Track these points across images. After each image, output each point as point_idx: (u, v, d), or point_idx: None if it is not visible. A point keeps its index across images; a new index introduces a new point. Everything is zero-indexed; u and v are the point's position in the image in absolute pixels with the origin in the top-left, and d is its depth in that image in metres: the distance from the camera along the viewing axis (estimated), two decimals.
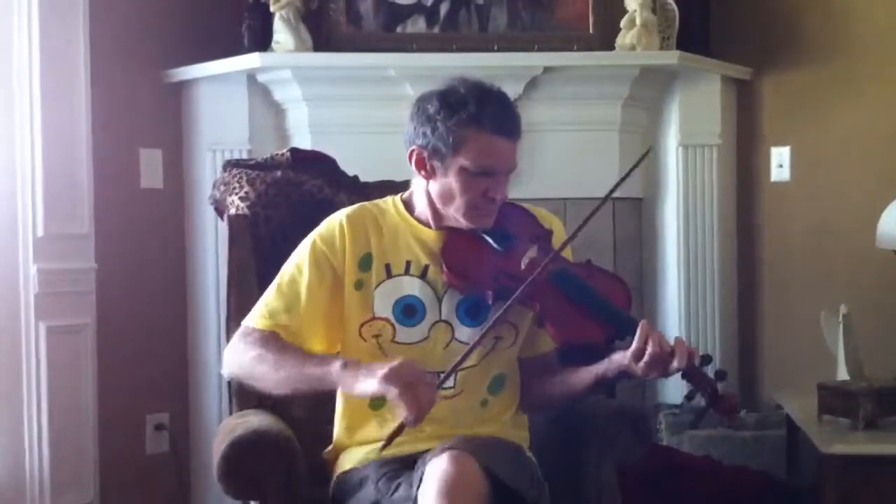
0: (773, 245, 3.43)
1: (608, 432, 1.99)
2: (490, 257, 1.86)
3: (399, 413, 1.68)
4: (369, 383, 1.69)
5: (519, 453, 1.81)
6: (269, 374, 1.81)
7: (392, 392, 1.66)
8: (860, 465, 2.43)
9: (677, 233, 3.34)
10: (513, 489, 1.64)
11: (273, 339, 1.84)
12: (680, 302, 3.34)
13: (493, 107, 1.83)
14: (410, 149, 1.87)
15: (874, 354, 2.92)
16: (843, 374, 2.78)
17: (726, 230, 3.40)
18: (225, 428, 1.99)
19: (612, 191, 1.90)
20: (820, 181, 3.35)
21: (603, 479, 1.98)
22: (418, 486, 1.64)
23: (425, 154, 1.85)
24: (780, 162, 3.41)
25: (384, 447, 1.73)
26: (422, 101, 1.87)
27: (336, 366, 1.74)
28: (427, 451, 1.72)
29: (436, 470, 1.61)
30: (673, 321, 3.35)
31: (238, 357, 1.86)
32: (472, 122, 1.81)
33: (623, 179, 1.91)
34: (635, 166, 1.97)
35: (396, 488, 1.74)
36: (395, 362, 1.69)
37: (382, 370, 1.67)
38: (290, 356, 1.80)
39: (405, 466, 1.76)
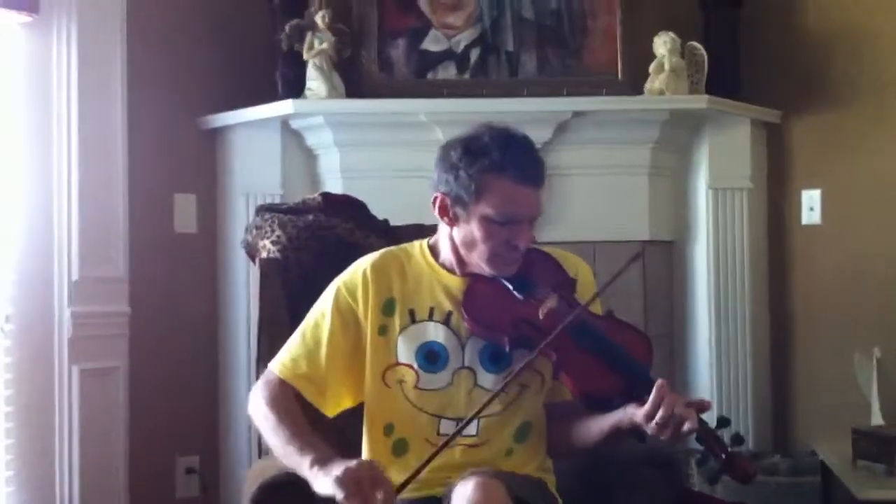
0: (804, 288, 3.41)
1: (638, 478, 1.97)
2: (509, 305, 1.84)
3: None
4: (324, 484, 1.64)
5: (543, 488, 1.79)
6: (268, 438, 1.83)
7: (340, 495, 1.59)
8: None
9: (708, 275, 3.32)
10: None
11: (283, 399, 1.84)
12: (711, 345, 3.31)
13: (515, 154, 1.81)
14: (434, 195, 1.87)
15: None
16: (877, 418, 2.74)
17: (757, 273, 3.38)
18: (254, 471, 1.99)
19: (606, 286, 1.87)
20: (851, 223, 3.33)
21: None
22: None
23: (448, 201, 1.85)
24: (810, 205, 3.39)
25: None
26: (446, 148, 1.87)
27: (306, 461, 1.71)
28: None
29: (463, 495, 1.60)
30: (704, 365, 3.32)
31: (255, 407, 1.87)
32: (494, 169, 1.80)
33: (616, 276, 1.85)
34: (625, 268, 1.88)
35: None
36: (353, 462, 1.65)
37: (336, 471, 1.62)
38: (285, 428, 1.79)
39: (432, 502, 1.75)
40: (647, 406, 1.70)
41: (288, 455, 1.76)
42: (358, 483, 1.60)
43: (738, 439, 1.77)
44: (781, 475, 3.00)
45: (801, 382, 3.40)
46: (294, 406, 1.84)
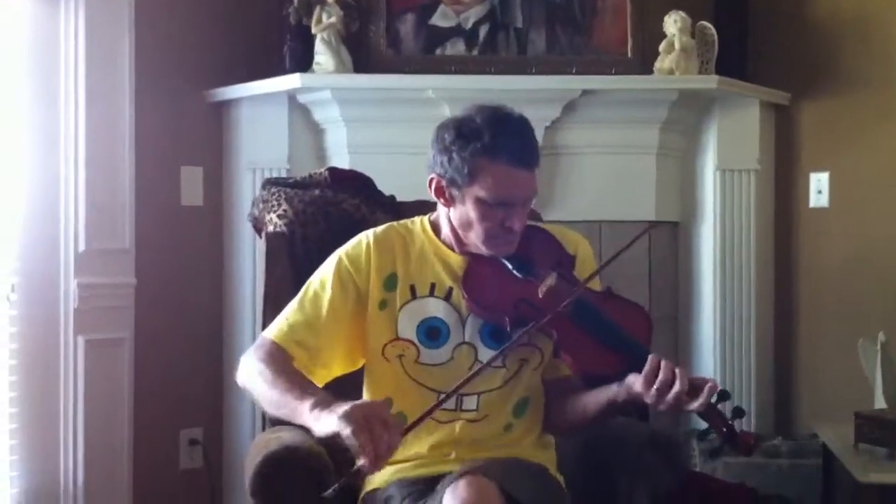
0: (810, 271, 3.40)
1: (641, 461, 1.96)
2: (509, 285, 1.85)
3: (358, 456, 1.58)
4: (328, 421, 1.61)
5: (542, 474, 1.80)
6: (263, 392, 1.80)
7: (346, 430, 1.56)
8: None
9: (713, 257, 3.32)
10: None
11: (279, 357, 1.83)
12: (715, 327, 3.31)
13: (508, 137, 1.80)
14: (430, 176, 1.87)
15: None
16: (880, 402, 2.74)
17: (763, 255, 3.37)
18: (258, 444, 2.00)
19: (614, 256, 1.86)
20: (858, 207, 3.32)
21: None
22: None
23: (443, 183, 1.85)
24: (818, 188, 3.38)
25: (331, 491, 1.63)
26: (440, 130, 1.87)
27: (308, 403, 1.67)
28: (450, 473, 1.71)
29: (454, 493, 1.60)
30: (708, 347, 3.32)
31: (246, 368, 1.86)
32: (487, 153, 1.79)
33: (626, 248, 1.85)
34: (631, 244, 1.88)
35: None
36: (360, 401, 1.63)
37: (343, 407, 1.60)
38: (283, 380, 1.76)
39: (429, 487, 1.76)
40: (647, 369, 1.70)
41: (286, 404, 1.73)
42: (366, 419, 1.58)
43: (738, 412, 1.78)
44: (783, 457, 3.01)
45: (805, 366, 3.40)
46: (291, 365, 1.83)
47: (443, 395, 1.75)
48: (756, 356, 3.31)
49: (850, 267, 3.31)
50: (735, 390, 3.23)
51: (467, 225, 1.86)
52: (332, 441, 1.65)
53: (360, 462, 1.57)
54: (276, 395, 1.76)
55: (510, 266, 1.87)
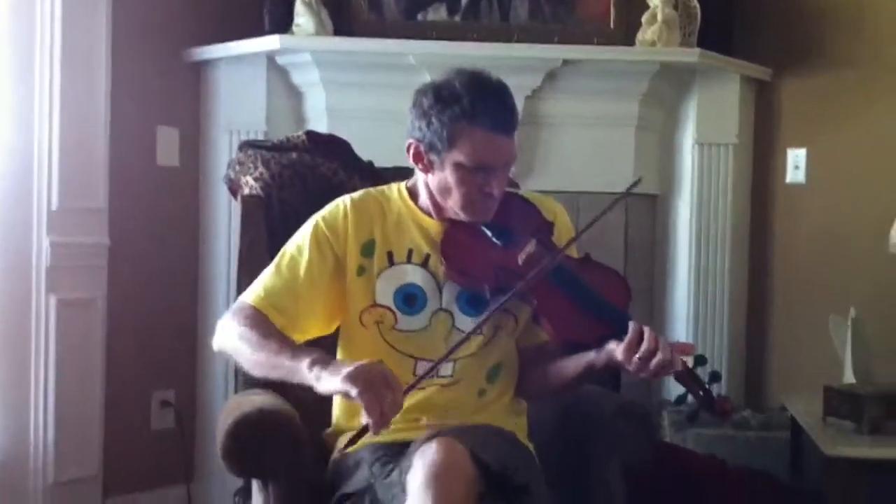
0: (785, 246, 3.42)
1: (614, 431, 1.98)
2: (488, 252, 1.85)
3: (362, 414, 1.62)
4: (333, 381, 1.64)
5: (511, 441, 1.80)
6: (249, 355, 1.80)
7: (353, 391, 1.60)
8: (864, 469, 2.43)
9: (690, 230, 3.33)
10: (501, 473, 1.62)
11: (261, 321, 1.82)
12: (689, 300, 3.33)
13: (487, 102, 1.79)
14: (408, 142, 1.86)
15: (884, 359, 2.92)
16: (849, 377, 2.77)
17: (739, 230, 3.39)
18: (230, 406, 1.99)
19: (603, 212, 1.86)
20: (835, 184, 3.33)
21: (608, 477, 1.98)
22: (408, 473, 1.63)
23: (422, 148, 1.84)
24: (795, 164, 3.40)
25: (346, 447, 1.70)
26: (418, 94, 1.85)
27: (305, 362, 1.69)
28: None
29: (424, 456, 1.60)
30: (681, 319, 3.35)
31: (225, 332, 1.85)
32: (465, 117, 1.78)
33: (613, 204, 1.85)
34: (625, 193, 1.90)
35: (390, 472, 1.74)
36: (363, 362, 1.65)
37: (348, 368, 1.63)
38: (271, 342, 1.77)
39: (400, 452, 1.76)
40: (628, 337, 1.70)
41: (279, 365, 1.74)
42: (371, 380, 1.61)
43: (715, 376, 1.80)
44: (752, 430, 3.04)
45: (777, 340, 3.43)
46: (275, 327, 1.83)
47: (422, 361, 1.78)
48: (729, 330, 3.34)
49: (824, 243, 3.34)
50: (707, 363, 3.25)
51: (446, 190, 1.85)
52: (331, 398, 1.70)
53: (366, 421, 1.61)
54: (266, 356, 1.77)
55: (489, 233, 1.87)
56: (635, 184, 1.92)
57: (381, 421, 1.60)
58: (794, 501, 2.78)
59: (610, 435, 1.97)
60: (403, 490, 1.62)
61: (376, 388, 1.61)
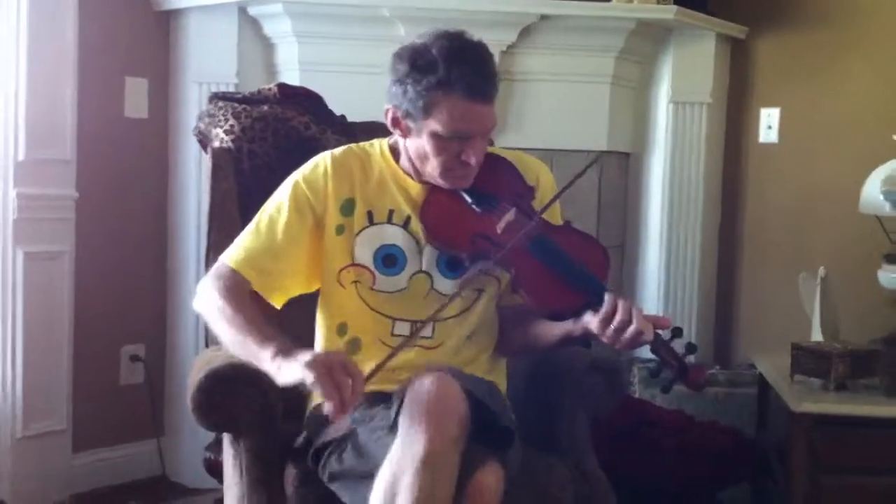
0: (756, 205, 3.44)
1: (582, 384, 2.00)
2: (467, 219, 1.84)
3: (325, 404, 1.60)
4: (292, 369, 1.62)
5: (494, 391, 1.81)
6: (224, 331, 1.78)
7: (310, 378, 1.59)
8: (829, 425, 2.47)
9: (662, 188, 3.34)
10: (492, 411, 1.64)
11: (238, 292, 1.81)
12: (661, 257, 3.35)
13: (464, 69, 1.74)
14: (386, 108, 1.84)
15: (851, 318, 2.95)
16: (817, 335, 2.81)
17: (711, 188, 3.40)
18: (201, 360, 1.99)
19: (564, 188, 1.86)
20: (807, 144, 3.35)
21: (576, 430, 2.00)
22: (398, 407, 1.62)
23: (399, 114, 1.82)
24: (769, 123, 3.40)
25: (299, 442, 1.67)
26: (395, 60, 1.82)
27: (268, 353, 1.68)
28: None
29: (419, 389, 1.61)
30: (652, 276, 3.37)
31: (206, 300, 1.84)
32: (442, 87, 1.75)
33: (575, 179, 1.85)
34: (582, 172, 1.88)
35: (374, 416, 1.74)
36: (320, 351, 1.64)
37: (305, 357, 1.61)
38: (242, 320, 1.75)
39: (382, 400, 1.76)
40: (603, 309, 1.71)
41: (245, 346, 1.74)
42: (329, 367, 1.59)
43: (690, 348, 1.81)
44: (720, 386, 3.07)
45: (746, 298, 3.46)
46: (248, 298, 1.82)
47: (400, 321, 1.80)
48: (699, 287, 3.36)
49: (795, 202, 3.36)
50: (677, 320, 3.28)
51: (423, 157, 1.83)
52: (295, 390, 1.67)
53: (327, 408, 1.59)
54: (234, 334, 1.76)
55: (469, 199, 1.86)
56: (592, 163, 1.95)
57: (342, 408, 1.58)
58: (759, 456, 2.82)
59: (578, 388, 1.99)
60: (390, 432, 1.63)
61: (335, 374, 1.58)
